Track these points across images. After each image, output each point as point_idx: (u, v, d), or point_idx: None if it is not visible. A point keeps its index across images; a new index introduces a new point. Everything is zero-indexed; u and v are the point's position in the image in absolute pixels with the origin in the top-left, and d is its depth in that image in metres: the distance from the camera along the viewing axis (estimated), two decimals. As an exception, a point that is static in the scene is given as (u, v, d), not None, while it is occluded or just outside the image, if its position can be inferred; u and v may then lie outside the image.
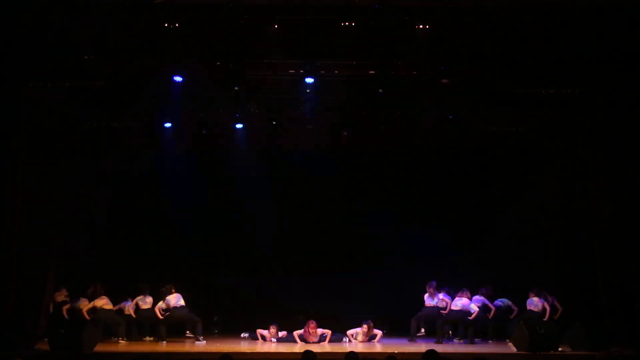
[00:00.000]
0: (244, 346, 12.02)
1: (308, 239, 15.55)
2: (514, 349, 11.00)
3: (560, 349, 10.74)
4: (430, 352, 7.64)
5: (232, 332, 14.32)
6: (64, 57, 12.17)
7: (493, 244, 14.98)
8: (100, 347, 10.83)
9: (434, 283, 13.25)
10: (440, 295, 13.17)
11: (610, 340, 10.89)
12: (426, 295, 13.22)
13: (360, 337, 12.92)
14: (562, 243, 14.37)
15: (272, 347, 12.08)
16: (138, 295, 13.25)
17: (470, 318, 12.78)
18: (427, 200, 15.69)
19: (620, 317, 12.04)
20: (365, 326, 12.88)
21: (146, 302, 13.16)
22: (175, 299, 12.84)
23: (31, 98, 12.61)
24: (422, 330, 13.41)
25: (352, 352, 7.47)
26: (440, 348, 10.59)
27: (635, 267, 11.82)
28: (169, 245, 15.22)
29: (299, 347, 11.45)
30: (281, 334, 13.11)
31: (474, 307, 12.87)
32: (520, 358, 10.53)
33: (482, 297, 13.31)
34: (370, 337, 12.93)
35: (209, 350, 11.24)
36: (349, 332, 13.08)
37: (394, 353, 10.12)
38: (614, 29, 11.24)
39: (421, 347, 11.36)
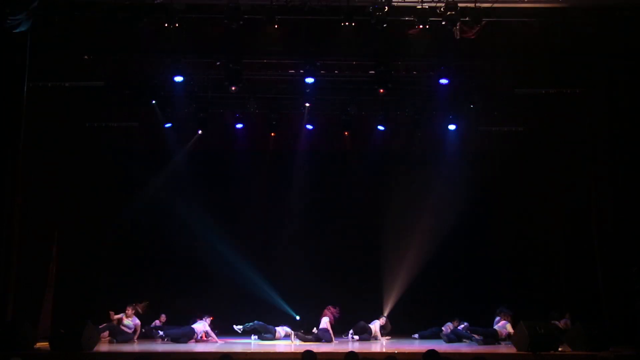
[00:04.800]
0: (243, 346, 11.99)
1: (307, 239, 15.53)
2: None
3: (560, 349, 10.73)
4: (431, 352, 7.62)
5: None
6: (64, 57, 12.18)
7: (492, 243, 14.98)
8: (100, 347, 10.81)
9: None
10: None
11: (610, 340, 10.88)
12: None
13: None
14: (562, 243, 14.35)
15: (272, 347, 12.06)
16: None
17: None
18: (427, 201, 15.66)
19: (620, 317, 12.02)
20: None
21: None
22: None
23: (31, 98, 12.59)
24: None
25: (352, 352, 7.46)
26: (441, 348, 10.57)
27: (635, 267, 11.79)
28: (168, 244, 15.20)
29: (297, 347, 11.46)
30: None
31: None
32: (520, 358, 10.51)
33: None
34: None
35: (209, 350, 11.22)
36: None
37: (394, 353, 10.12)
38: (613, 29, 11.23)
39: (421, 347, 11.34)
